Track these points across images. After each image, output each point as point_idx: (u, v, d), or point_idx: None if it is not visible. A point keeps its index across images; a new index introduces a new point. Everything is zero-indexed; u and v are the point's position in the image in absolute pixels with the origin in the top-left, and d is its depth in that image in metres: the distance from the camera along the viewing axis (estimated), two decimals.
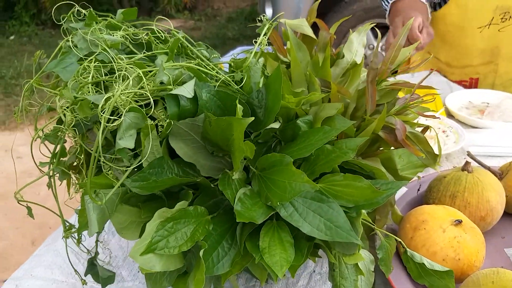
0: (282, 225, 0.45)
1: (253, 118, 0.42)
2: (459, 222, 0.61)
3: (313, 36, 0.64)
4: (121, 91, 0.42)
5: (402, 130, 0.57)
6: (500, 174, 0.76)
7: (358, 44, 0.67)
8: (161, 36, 0.59)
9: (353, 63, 0.65)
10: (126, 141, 0.43)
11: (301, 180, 0.41)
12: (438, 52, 1.37)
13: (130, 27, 0.65)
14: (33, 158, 0.55)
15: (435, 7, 1.31)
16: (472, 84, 1.36)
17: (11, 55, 4.39)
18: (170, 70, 0.51)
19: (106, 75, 0.52)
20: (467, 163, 0.71)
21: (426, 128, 0.63)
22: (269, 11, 2.93)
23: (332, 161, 0.46)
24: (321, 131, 0.47)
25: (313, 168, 0.47)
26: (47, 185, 0.57)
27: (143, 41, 0.61)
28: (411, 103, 0.60)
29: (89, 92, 0.50)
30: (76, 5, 0.61)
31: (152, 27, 0.62)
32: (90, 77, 0.50)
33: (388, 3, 1.26)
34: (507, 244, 0.70)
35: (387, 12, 1.29)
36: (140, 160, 0.45)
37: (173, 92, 0.46)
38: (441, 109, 1.11)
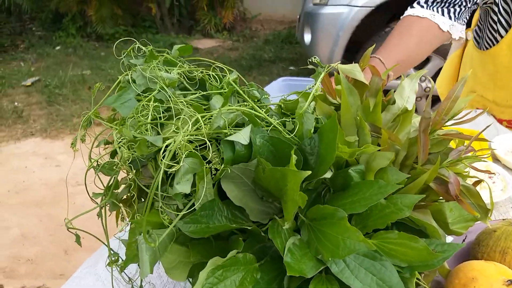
0: (331, 280, 0.44)
1: (309, 172, 0.42)
2: (511, 283, 0.58)
3: (365, 81, 0.64)
4: (182, 136, 0.43)
5: (455, 185, 0.55)
6: None
7: (409, 90, 0.66)
8: (216, 77, 0.60)
9: (404, 110, 0.64)
10: (183, 186, 0.44)
11: (356, 238, 0.41)
12: (486, 91, 1.33)
13: (185, 63, 0.66)
14: (86, 190, 0.57)
15: (485, 46, 1.28)
16: None
17: (56, 65, 4.58)
18: (225, 113, 0.51)
19: (163, 112, 0.54)
20: None
21: (479, 181, 0.62)
22: (307, 37, 2.95)
23: (386, 217, 0.46)
24: (376, 185, 0.46)
25: (365, 222, 0.47)
26: (97, 215, 0.59)
27: (197, 78, 0.63)
28: (465, 156, 0.59)
29: (147, 130, 0.51)
30: (137, 42, 0.63)
31: (205, 63, 0.64)
32: (149, 116, 0.51)
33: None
34: None
35: None
36: (194, 204, 0.45)
37: (230, 138, 0.47)
38: (486, 153, 1.08)
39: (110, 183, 0.55)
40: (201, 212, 0.47)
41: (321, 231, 0.45)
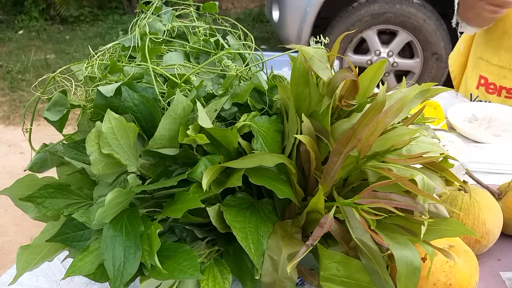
0: None
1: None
2: (451, 246, 0.59)
3: (323, 76, 0.52)
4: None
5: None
6: (498, 194, 0.73)
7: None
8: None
9: None
10: (50, 113, 0.51)
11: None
12: (492, 56, 1.32)
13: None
14: None
15: None
16: None
17: (19, 50, 4.41)
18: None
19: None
20: (464, 182, 0.68)
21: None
22: (276, 14, 2.91)
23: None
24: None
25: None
26: None
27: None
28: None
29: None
30: None
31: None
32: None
33: None
34: (503, 267, 0.67)
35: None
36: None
37: (99, 88, 0.49)
38: (442, 122, 1.09)
39: None
40: (82, 143, 0.51)
41: None
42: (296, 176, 0.51)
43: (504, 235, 0.70)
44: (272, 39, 4.58)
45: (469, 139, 1.06)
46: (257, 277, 0.44)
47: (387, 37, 2.82)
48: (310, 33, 2.79)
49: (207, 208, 0.45)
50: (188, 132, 0.46)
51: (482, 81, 1.35)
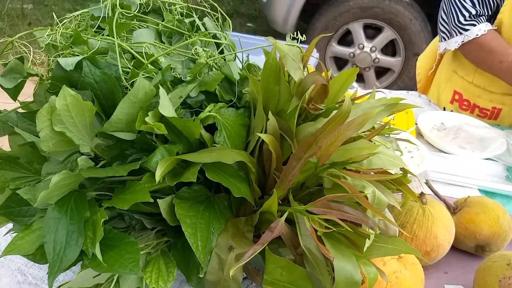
0: None
1: None
2: (399, 257, 0.60)
3: (295, 76, 0.51)
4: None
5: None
6: (454, 208, 0.75)
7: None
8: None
9: None
10: (5, 80, 0.49)
11: None
12: (466, 73, 1.30)
13: None
14: None
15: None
16: (493, 114, 1.29)
17: None
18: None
19: None
20: (422, 194, 0.69)
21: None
22: None
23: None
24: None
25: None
26: None
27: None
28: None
29: None
30: None
31: None
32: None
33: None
34: (448, 280, 0.69)
35: None
36: None
37: (59, 59, 0.47)
38: (411, 128, 1.10)
39: None
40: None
41: None
42: (255, 175, 0.50)
43: (454, 248, 0.72)
44: (260, 17, 4.50)
45: (435, 147, 1.08)
46: (201, 275, 0.44)
47: (372, 32, 2.81)
48: (298, 17, 2.76)
49: (158, 200, 0.44)
50: (146, 119, 0.45)
51: (457, 97, 1.34)
